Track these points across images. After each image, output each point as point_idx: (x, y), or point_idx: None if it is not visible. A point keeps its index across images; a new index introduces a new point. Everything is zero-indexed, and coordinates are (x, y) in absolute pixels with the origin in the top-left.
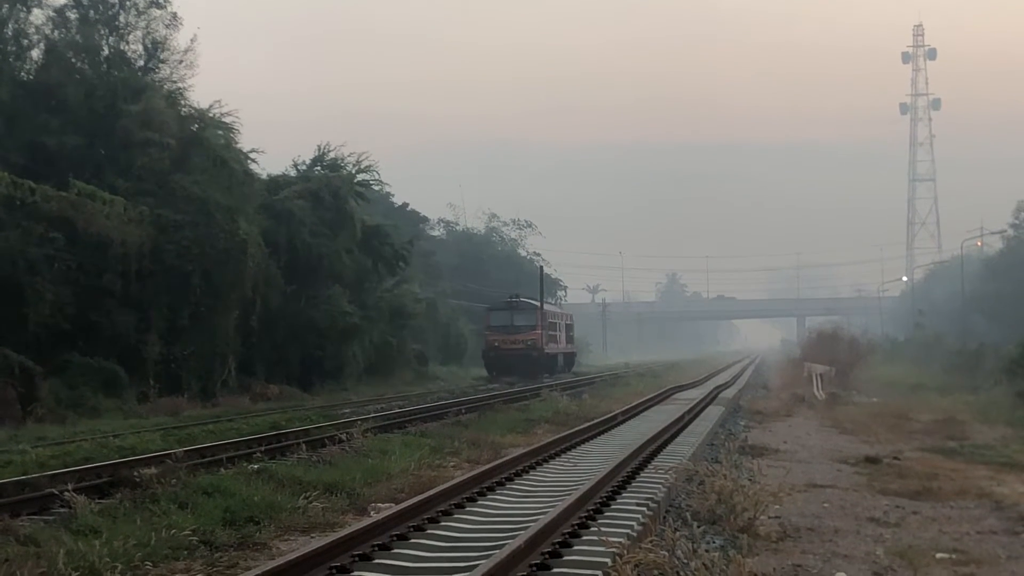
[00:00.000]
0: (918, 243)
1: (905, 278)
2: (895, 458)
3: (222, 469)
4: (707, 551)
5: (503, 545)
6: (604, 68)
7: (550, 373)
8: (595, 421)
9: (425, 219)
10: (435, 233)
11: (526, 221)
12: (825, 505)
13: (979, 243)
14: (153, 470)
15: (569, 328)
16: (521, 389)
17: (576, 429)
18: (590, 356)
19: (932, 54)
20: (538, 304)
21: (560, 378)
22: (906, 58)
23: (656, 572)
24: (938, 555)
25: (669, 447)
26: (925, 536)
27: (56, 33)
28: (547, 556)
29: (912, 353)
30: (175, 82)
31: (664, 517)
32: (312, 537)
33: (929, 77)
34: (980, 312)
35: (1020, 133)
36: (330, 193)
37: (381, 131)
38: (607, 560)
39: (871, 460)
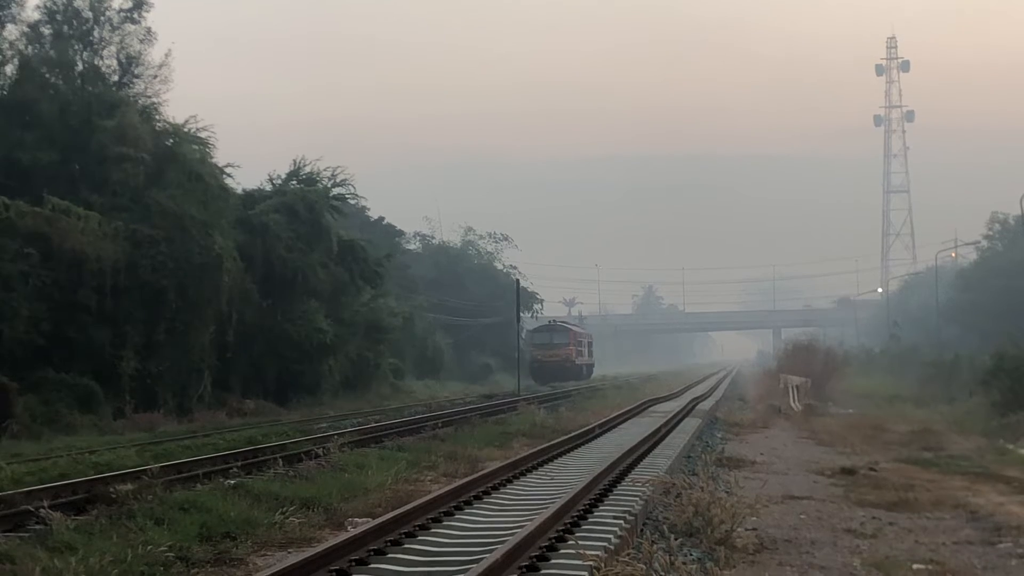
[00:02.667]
0: (893, 254)
1: (880, 289)
2: (871, 469)
3: (198, 485)
4: (684, 564)
5: (481, 559)
6: (580, 81)
7: (577, 379)
8: (572, 434)
9: (401, 233)
10: (411, 247)
11: (502, 234)
12: (802, 517)
13: (953, 254)
14: (129, 486)
15: (590, 344)
16: (499, 403)
17: (553, 442)
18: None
19: (905, 66)
20: (569, 327)
21: (538, 391)
22: (880, 70)
23: None
24: (915, 566)
25: (646, 460)
26: (901, 547)
27: (30, 48)
28: (525, 570)
29: (887, 364)
30: (150, 97)
31: (641, 530)
32: (289, 552)
33: (903, 89)
34: (955, 323)
35: (994, 144)
36: (306, 207)
37: (357, 145)
38: (585, 573)
39: (847, 471)
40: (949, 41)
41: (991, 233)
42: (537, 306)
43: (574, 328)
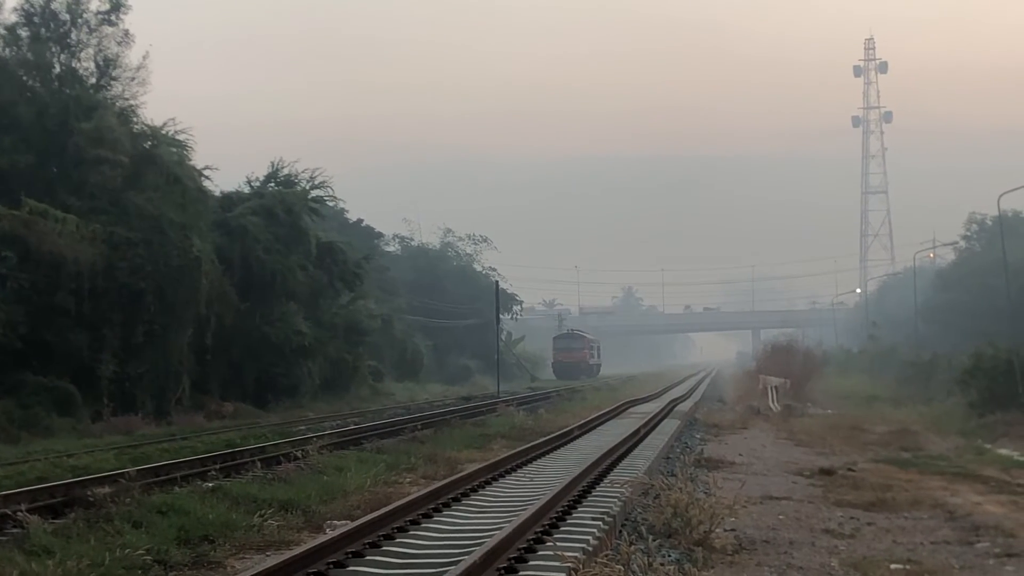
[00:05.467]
0: (871, 255)
1: (859, 290)
2: (850, 469)
3: (177, 488)
4: (662, 565)
5: (459, 561)
6: (558, 82)
7: (589, 375)
8: (551, 436)
9: (380, 235)
10: (390, 249)
11: (481, 236)
12: (780, 517)
13: (931, 255)
14: (107, 489)
15: (599, 349)
16: (478, 404)
17: (532, 444)
18: (547, 371)
19: (883, 67)
20: (584, 335)
21: (517, 394)
22: (858, 71)
23: None
24: (892, 566)
25: (625, 461)
26: (879, 547)
27: (7, 51)
28: (503, 572)
29: (866, 364)
30: (127, 99)
31: (620, 531)
32: (267, 555)
33: (881, 90)
34: (933, 323)
35: (971, 145)
36: (284, 209)
37: (335, 146)
38: (563, 575)
39: (826, 472)
40: (927, 42)
41: (969, 234)
42: (516, 307)
43: (587, 336)
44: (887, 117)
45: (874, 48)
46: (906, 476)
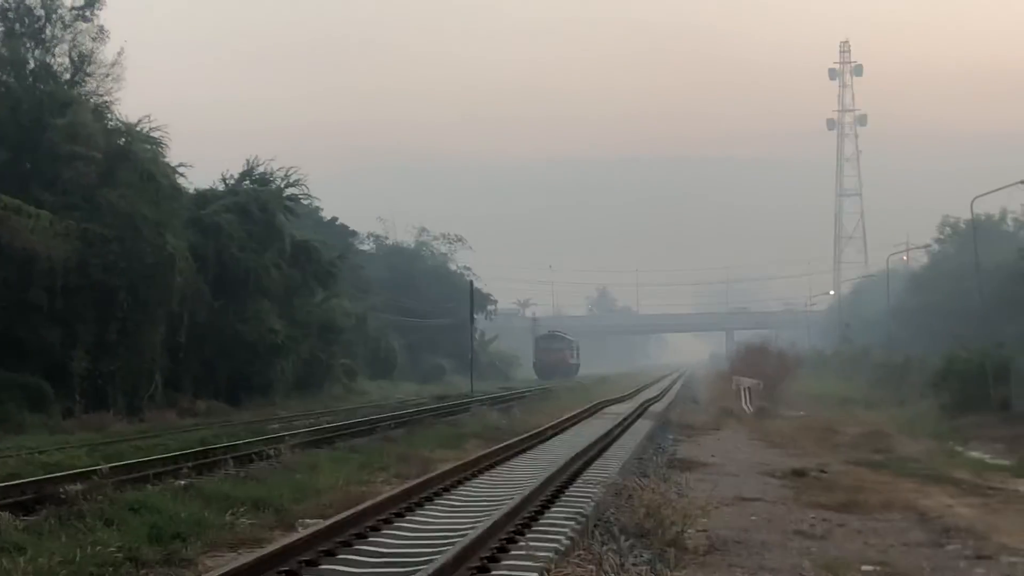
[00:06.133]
0: (845, 257)
1: (833, 292)
2: (822, 471)
3: (149, 485)
4: (635, 565)
5: (431, 560)
6: (533, 82)
7: (569, 375)
8: (525, 436)
9: (354, 233)
10: (365, 247)
11: (456, 235)
12: (752, 518)
13: (905, 258)
14: (79, 486)
15: (578, 349)
16: (452, 404)
17: (506, 444)
18: (520, 370)
19: (859, 70)
20: (565, 336)
21: (490, 393)
22: (833, 74)
23: None
24: (863, 567)
25: (598, 461)
26: (851, 548)
27: None
28: (475, 571)
29: (839, 366)
30: (102, 96)
31: (592, 532)
32: (239, 553)
33: (855, 93)
34: (906, 326)
35: (945, 149)
36: (259, 207)
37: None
38: (535, 575)
39: (798, 473)
40: (902, 45)
41: (942, 236)
42: (491, 307)
43: (568, 337)
44: (862, 120)
45: (849, 51)
46: (878, 478)
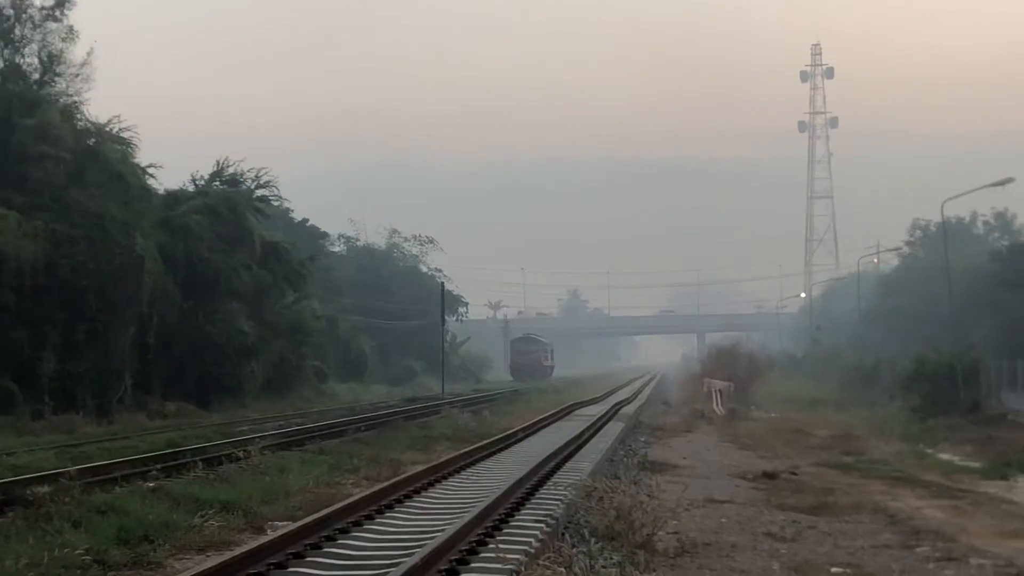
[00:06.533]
0: (816, 260)
1: (803, 294)
2: (792, 473)
3: (117, 487)
4: (604, 567)
5: (400, 563)
6: (504, 83)
7: (544, 376)
8: (495, 438)
9: (325, 235)
10: (335, 249)
11: (427, 237)
12: (723, 520)
13: (876, 260)
14: (46, 488)
15: (552, 352)
16: (422, 406)
17: (476, 446)
18: (492, 372)
19: (830, 73)
20: (539, 339)
21: (461, 395)
22: (804, 77)
23: None
24: (833, 569)
25: (569, 463)
26: (821, 551)
27: None
28: (444, 574)
29: (810, 369)
30: (71, 96)
31: (563, 534)
32: (208, 556)
33: (827, 96)
34: (877, 328)
35: (916, 152)
36: (228, 208)
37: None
38: None
39: (769, 475)
40: (874, 49)
41: (913, 239)
42: (462, 309)
43: (542, 340)
44: (833, 123)
45: (821, 54)
46: (848, 480)
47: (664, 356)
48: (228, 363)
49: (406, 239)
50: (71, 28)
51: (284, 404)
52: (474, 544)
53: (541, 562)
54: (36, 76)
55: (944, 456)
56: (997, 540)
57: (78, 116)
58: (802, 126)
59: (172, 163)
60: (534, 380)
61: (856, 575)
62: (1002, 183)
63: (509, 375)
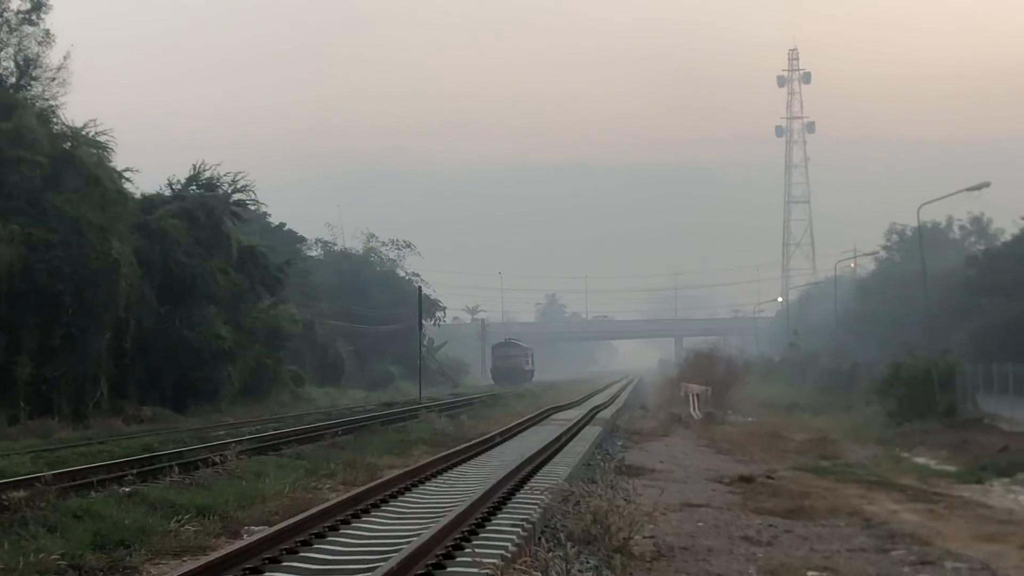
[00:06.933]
0: (793, 264)
1: (781, 299)
2: (769, 477)
3: (93, 492)
4: (581, 571)
5: (376, 568)
6: (480, 87)
7: (524, 380)
8: (473, 442)
9: (302, 239)
10: (313, 253)
11: (405, 241)
12: (699, 524)
13: (852, 264)
14: (22, 493)
15: (532, 356)
16: (400, 410)
17: (454, 450)
18: (470, 377)
19: (807, 78)
20: (520, 344)
21: (439, 400)
22: (781, 82)
23: None
24: (809, 573)
25: (546, 467)
26: (796, 554)
27: None
28: None
29: (787, 373)
30: (48, 100)
31: (539, 538)
32: (184, 561)
33: (804, 100)
34: (853, 332)
35: (892, 157)
36: (205, 213)
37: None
38: None
39: (745, 479)
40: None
41: (889, 244)
42: (440, 314)
43: (523, 345)
44: (810, 127)
45: (798, 59)
46: (824, 484)
47: (642, 360)
48: (205, 368)
49: (383, 244)
50: (47, 32)
51: (261, 409)
52: (451, 548)
53: (517, 566)
54: (12, 80)
55: (920, 460)
56: (972, 544)
57: (54, 120)
58: (779, 131)
59: (149, 168)
60: (515, 384)
61: None
62: (978, 188)
63: (487, 379)
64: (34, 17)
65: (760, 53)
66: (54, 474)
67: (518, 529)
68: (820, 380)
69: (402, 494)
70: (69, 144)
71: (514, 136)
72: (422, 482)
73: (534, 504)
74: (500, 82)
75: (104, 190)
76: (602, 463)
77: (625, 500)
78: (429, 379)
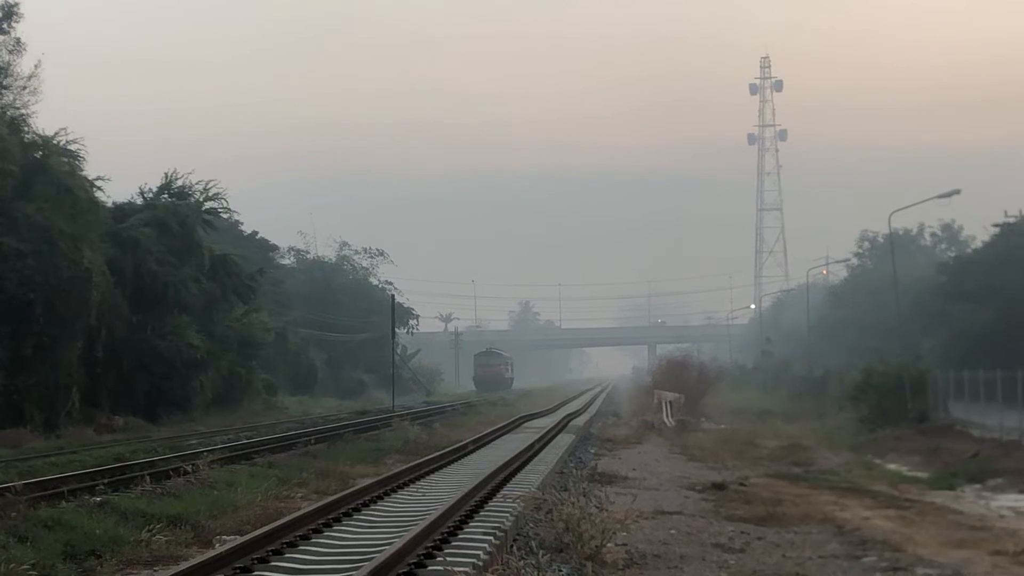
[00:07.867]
0: (766, 271)
1: (753, 306)
2: (741, 484)
3: (64, 502)
4: None
5: None
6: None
7: (505, 388)
8: (446, 450)
9: (275, 247)
10: (285, 262)
11: (378, 250)
12: (672, 532)
13: (824, 271)
14: None
15: (512, 364)
16: (373, 419)
17: (426, 458)
18: (443, 385)
19: (779, 86)
20: (500, 352)
21: (412, 408)
22: (753, 89)
23: None
24: None
25: (518, 476)
26: (769, 561)
27: None
28: None
29: (760, 380)
30: (19, 108)
31: (511, 546)
32: (155, 570)
33: (776, 108)
34: (826, 339)
35: (864, 164)
36: (177, 221)
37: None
38: None
39: (718, 486)
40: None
41: (861, 251)
42: (413, 322)
43: (504, 353)
44: (782, 135)
45: (770, 67)
46: (797, 491)
47: (615, 368)
48: (177, 376)
49: (356, 252)
50: (18, 40)
51: (234, 418)
52: (422, 557)
53: (489, 574)
54: None
55: (892, 466)
56: (943, 550)
57: (25, 129)
58: (752, 138)
59: (120, 176)
60: (496, 391)
61: None
62: (948, 195)
63: (461, 387)
64: (5, 26)
65: (732, 61)
66: (25, 484)
67: (490, 537)
68: (793, 387)
69: (375, 503)
70: (40, 153)
71: (487, 143)
72: (395, 491)
73: (506, 512)
74: (474, 90)
75: (75, 199)
76: (575, 471)
77: (597, 508)
78: (402, 387)
